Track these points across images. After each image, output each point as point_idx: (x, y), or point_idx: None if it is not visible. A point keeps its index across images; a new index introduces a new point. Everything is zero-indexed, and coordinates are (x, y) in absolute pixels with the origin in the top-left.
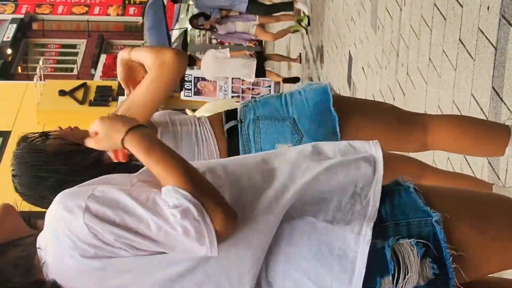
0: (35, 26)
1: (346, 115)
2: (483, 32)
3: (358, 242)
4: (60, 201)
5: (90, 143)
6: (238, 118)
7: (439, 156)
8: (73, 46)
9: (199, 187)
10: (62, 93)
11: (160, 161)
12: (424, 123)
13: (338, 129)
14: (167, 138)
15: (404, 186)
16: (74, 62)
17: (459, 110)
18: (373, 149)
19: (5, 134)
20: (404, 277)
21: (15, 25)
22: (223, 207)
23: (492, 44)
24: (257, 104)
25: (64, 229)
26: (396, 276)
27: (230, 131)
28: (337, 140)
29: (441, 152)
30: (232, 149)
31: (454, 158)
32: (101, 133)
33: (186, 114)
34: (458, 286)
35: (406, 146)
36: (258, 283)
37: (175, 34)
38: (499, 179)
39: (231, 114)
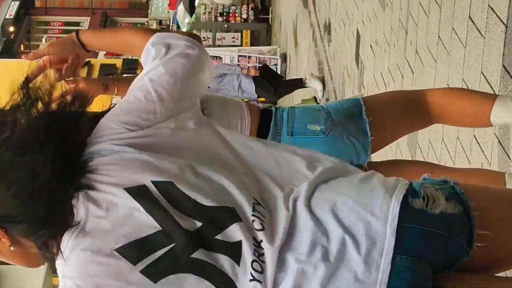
0: (37, 3)
1: (375, 116)
2: (493, 9)
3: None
4: None
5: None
6: (274, 107)
7: (449, 135)
8: (77, 24)
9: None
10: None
11: (117, 31)
12: (427, 104)
13: (368, 130)
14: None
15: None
16: None
17: (465, 89)
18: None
19: None
20: (433, 203)
21: (17, 2)
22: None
23: (502, 21)
24: (293, 106)
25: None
26: (426, 201)
27: (264, 113)
28: (367, 136)
29: (450, 131)
30: (263, 125)
31: (463, 137)
32: (53, 43)
33: None
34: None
35: (419, 128)
36: (294, 205)
37: (180, 9)
38: (510, 158)
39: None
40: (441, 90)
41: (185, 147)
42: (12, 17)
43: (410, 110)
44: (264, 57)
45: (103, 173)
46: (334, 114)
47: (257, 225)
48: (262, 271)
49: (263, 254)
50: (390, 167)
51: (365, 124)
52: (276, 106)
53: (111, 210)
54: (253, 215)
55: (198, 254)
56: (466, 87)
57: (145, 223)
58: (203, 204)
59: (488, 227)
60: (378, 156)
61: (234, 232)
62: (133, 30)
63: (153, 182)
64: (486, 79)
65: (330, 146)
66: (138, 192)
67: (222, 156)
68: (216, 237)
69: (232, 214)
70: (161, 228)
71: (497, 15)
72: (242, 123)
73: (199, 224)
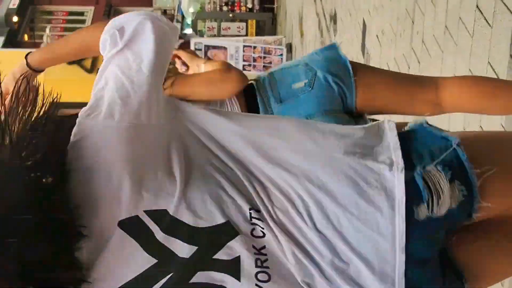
0: None
1: (356, 72)
2: None
3: (393, 172)
4: None
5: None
6: (254, 79)
7: (455, 123)
8: (81, 14)
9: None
10: (69, 62)
11: (67, 38)
12: (436, 81)
13: (349, 67)
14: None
15: (417, 125)
16: None
17: (490, 77)
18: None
19: None
20: (438, 202)
21: None
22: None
23: (510, 11)
24: (273, 71)
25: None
26: (430, 202)
27: (247, 91)
28: (349, 75)
29: (456, 118)
30: (251, 103)
31: (469, 127)
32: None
33: None
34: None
35: (419, 106)
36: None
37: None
38: None
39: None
40: (461, 77)
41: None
42: (15, 7)
43: (409, 77)
44: (269, 47)
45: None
46: (311, 63)
47: (257, 232)
48: (269, 279)
49: (266, 260)
50: None
51: (346, 63)
52: (256, 79)
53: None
54: (251, 223)
55: (197, 278)
56: None
57: (140, 259)
58: (196, 227)
59: (491, 196)
60: None
61: (232, 249)
62: (83, 30)
63: (146, 211)
64: (493, 69)
65: (320, 97)
66: (131, 226)
67: (207, 158)
68: (214, 257)
69: (227, 230)
70: (156, 261)
71: (505, 4)
72: (232, 110)
73: (194, 248)
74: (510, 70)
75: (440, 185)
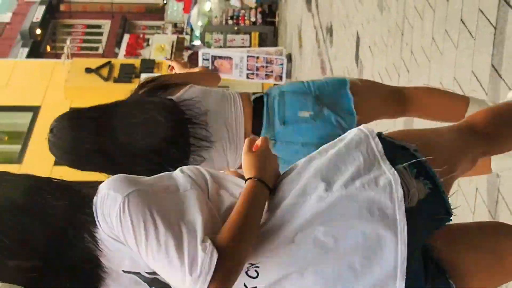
0: (62, 7)
1: (359, 96)
2: (483, 13)
3: (393, 200)
4: (106, 186)
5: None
6: (265, 92)
7: None
8: (98, 27)
9: (238, 250)
10: (88, 70)
11: (242, 216)
12: (405, 96)
13: (353, 107)
14: (196, 89)
15: (380, 135)
16: (99, 41)
17: (460, 87)
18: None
19: (35, 109)
20: (409, 195)
21: (43, 7)
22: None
23: (492, 24)
24: (282, 86)
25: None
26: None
27: (256, 102)
28: (352, 115)
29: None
30: (257, 116)
31: None
32: (256, 155)
33: None
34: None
35: (390, 113)
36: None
37: (194, 13)
38: None
39: (257, 94)
40: (421, 86)
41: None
42: (38, 20)
43: (389, 95)
44: (271, 57)
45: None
46: (321, 97)
47: (251, 273)
48: None
49: None
50: None
51: (350, 103)
52: (267, 92)
53: None
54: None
55: None
56: (458, 85)
57: None
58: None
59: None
60: None
61: None
62: None
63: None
64: (477, 78)
65: (321, 130)
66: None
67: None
68: None
69: None
70: None
71: (486, 18)
72: (237, 119)
73: None
74: (492, 78)
75: (408, 180)
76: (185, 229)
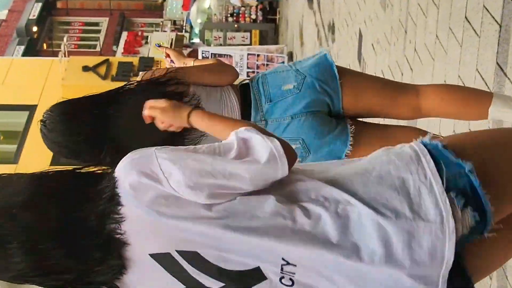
0: (59, 4)
1: (343, 75)
2: (488, 10)
3: (444, 232)
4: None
5: (154, 112)
6: (250, 78)
7: (446, 130)
8: (96, 24)
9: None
10: (85, 69)
11: (221, 121)
12: (416, 87)
13: (335, 71)
14: (198, 88)
15: (432, 145)
16: (97, 39)
17: (464, 85)
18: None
19: (32, 108)
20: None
21: (40, 4)
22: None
23: (497, 21)
24: (265, 72)
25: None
26: None
27: (243, 89)
28: (335, 79)
29: (448, 126)
30: (245, 99)
31: (459, 131)
32: (168, 108)
33: None
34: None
35: (399, 109)
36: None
37: (193, 10)
38: None
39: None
40: (437, 85)
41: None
42: (35, 17)
43: (392, 82)
44: (272, 55)
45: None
46: (302, 69)
47: (286, 281)
48: None
49: None
50: (377, 131)
51: (332, 67)
52: (251, 78)
53: (139, 273)
54: (281, 272)
55: None
56: (462, 84)
57: (170, 285)
58: (227, 269)
59: (501, 212)
60: None
61: None
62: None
63: (178, 251)
64: (481, 76)
65: (306, 98)
66: (163, 259)
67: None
68: None
69: (257, 275)
70: (185, 287)
71: (491, 15)
72: (233, 107)
73: (221, 284)
74: (497, 77)
75: (454, 213)
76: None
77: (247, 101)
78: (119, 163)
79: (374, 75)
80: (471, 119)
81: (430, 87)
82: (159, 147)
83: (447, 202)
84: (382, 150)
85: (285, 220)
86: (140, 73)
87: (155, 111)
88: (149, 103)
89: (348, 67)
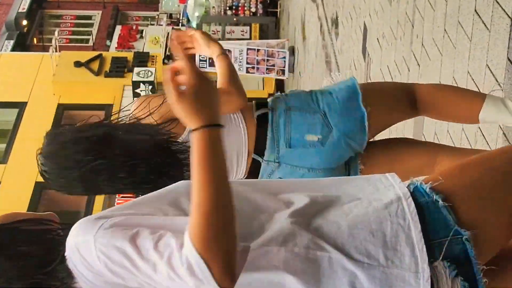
0: None
1: (372, 107)
2: (499, 3)
3: (418, 280)
4: (74, 233)
5: (171, 91)
6: (269, 107)
7: (454, 127)
8: (88, 17)
9: (215, 232)
10: (77, 64)
11: (205, 175)
12: (415, 92)
13: (366, 123)
14: None
15: (433, 200)
16: (90, 33)
17: (474, 81)
18: (396, 185)
19: (21, 105)
20: None
21: None
22: (228, 265)
23: (508, 15)
24: (288, 96)
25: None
26: None
27: (260, 118)
28: (364, 132)
29: (455, 124)
30: (260, 135)
31: (468, 129)
32: (188, 100)
33: None
34: None
35: (403, 117)
36: None
37: (190, 3)
38: None
39: (261, 104)
40: (433, 84)
41: None
42: (25, 11)
43: (401, 98)
44: (272, 50)
45: None
46: (330, 115)
47: None
48: None
49: None
50: (387, 151)
51: (364, 119)
52: (272, 107)
53: None
54: None
55: None
56: (472, 80)
57: None
58: None
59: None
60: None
61: None
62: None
63: None
64: (491, 72)
65: (329, 156)
66: None
67: None
68: None
69: None
70: None
71: (502, 8)
72: (240, 145)
73: None
74: (508, 73)
75: (443, 282)
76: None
77: (263, 136)
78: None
79: (390, 88)
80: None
81: (425, 94)
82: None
83: (424, 250)
84: (367, 186)
85: None
86: (135, 69)
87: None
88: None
89: (355, 63)
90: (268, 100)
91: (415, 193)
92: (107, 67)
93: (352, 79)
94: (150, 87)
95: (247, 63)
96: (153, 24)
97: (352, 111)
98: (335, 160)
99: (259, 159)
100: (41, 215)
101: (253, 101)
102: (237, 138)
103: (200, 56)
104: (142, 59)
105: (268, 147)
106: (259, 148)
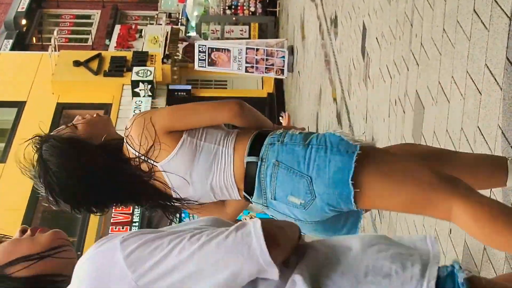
0: None
1: (366, 185)
2: (497, 3)
3: None
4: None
5: None
6: (260, 156)
7: (453, 127)
8: (88, 17)
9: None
10: (76, 63)
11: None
12: (450, 203)
13: (353, 201)
14: (187, 148)
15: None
16: (89, 32)
17: (473, 81)
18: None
19: (20, 105)
20: None
21: None
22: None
23: (507, 14)
24: (283, 147)
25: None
26: None
27: (250, 163)
28: (351, 206)
29: (455, 122)
30: (248, 181)
31: (467, 128)
32: None
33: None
34: None
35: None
36: None
37: (189, 3)
38: None
39: (257, 145)
40: (478, 198)
41: None
42: (24, 10)
43: (420, 190)
44: (271, 50)
45: None
46: (316, 183)
47: None
48: None
49: None
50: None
51: (350, 196)
52: (262, 156)
53: None
54: None
55: None
56: (471, 79)
57: None
58: None
59: None
60: (382, 145)
61: None
62: None
63: None
64: (490, 71)
65: (312, 216)
66: None
67: None
68: None
69: None
70: None
71: (501, 8)
72: (228, 174)
73: None
74: (507, 72)
75: None
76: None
77: (251, 181)
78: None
79: (408, 166)
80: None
81: (466, 207)
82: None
83: None
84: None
85: None
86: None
87: None
88: None
89: (354, 62)
90: (264, 143)
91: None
92: (106, 66)
93: (354, 148)
94: (149, 86)
95: (246, 62)
96: (152, 24)
97: (339, 184)
98: (318, 221)
99: (249, 198)
100: (43, 246)
101: (252, 135)
102: (225, 178)
103: (199, 54)
104: (141, 58)
105: (255, 192)
106: (248, 189)
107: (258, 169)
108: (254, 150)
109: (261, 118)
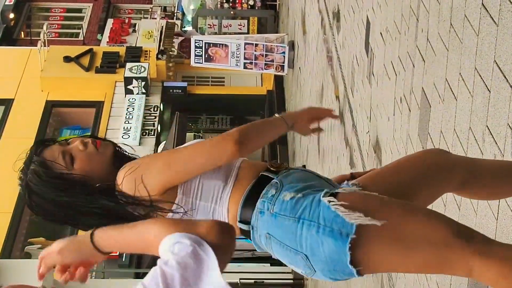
0: None
1: (370, 260)
2: None
3: None
4: None
5: (50, 261)
6: (251, 224)
7: (461, 126)
8: (79, 10)
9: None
10: (67, 59)
11: (136, 224)
12: (470, 265)
13: (357, 275)
14: (184, 207)
15: None
16: (80, 27)
17: (481, 78)
18: None
19: (8, 102)
20: None
21: None
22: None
23: None
24: (272, 219)
25: None
26: None
27: (243, 229)
28: (353, 276)
29: (462, 121)
30: (245, 236)
31: (476, 128)
32: (63, 246)
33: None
34: None
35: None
36: None
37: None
38: None
39: (249, 206)
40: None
41: None
42: (12, 3)
43: (432, 254)
44: (271, 45)
45: None
46: (314, 261)
47: None
48: None
49: None
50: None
51: (352, 273)
52: (253, 224)
53: None
54: None
55: None
56: (479, 76)
57: None
58: None
59: None
60: (386, 145)
61: None
62: (153, 221)
63: None
64: (499, 68)
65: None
66: None
67: None
68: None
69: None
70: None
71: (510, 2)
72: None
73: None
74: None
75: None
76: None
77: (247, 237)
78: None
79: (425, 225)
80: None
81: (490, 262)
82: None
83: None
84: None
85: None
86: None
87: (51, 258)
88: (40, 256)
89: (358, 58)
90: (256, 206)
91: None
92: (98, 62)
93: (349, 228)
94: (143, 83)
95: (245, 58)
96: (146, 18)
97: (339, 263)
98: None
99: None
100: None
101: (246, 192)
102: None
103: (196, 49)
104: (135, 54)
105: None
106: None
107: (252, 236)
108: (247, 211)
109: (264, 135)
